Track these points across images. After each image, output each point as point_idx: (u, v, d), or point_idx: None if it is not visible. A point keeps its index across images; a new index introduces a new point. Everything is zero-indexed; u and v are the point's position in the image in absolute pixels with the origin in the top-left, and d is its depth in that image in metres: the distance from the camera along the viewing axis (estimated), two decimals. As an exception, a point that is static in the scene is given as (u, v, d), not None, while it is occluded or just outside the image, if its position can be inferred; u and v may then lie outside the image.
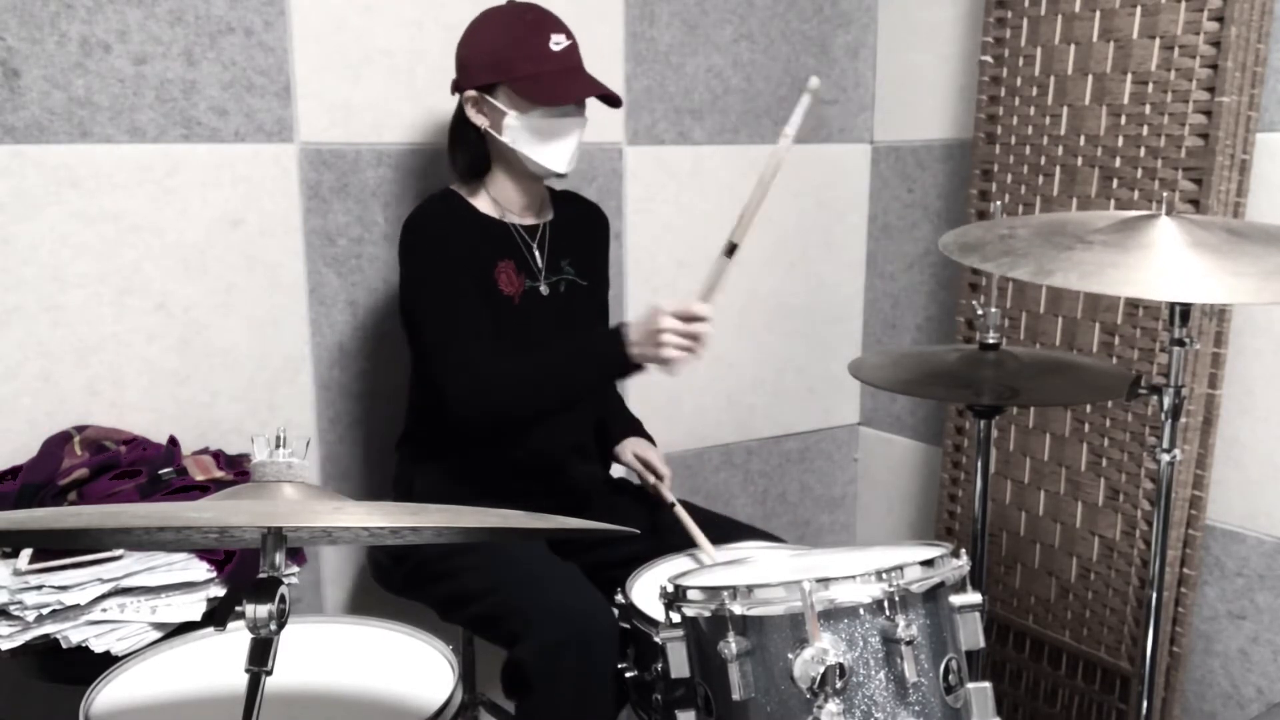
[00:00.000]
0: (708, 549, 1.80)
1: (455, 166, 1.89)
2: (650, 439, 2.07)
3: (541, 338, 1.89)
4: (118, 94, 1.87)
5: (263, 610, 1.01)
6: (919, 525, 2.74)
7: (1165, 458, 1.55)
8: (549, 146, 1.81)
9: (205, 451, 1.93)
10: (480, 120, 1.82)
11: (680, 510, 1.89)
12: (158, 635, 1.56)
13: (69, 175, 1.85)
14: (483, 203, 1.89)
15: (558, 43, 1.79)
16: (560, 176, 1.85)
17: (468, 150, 1.86)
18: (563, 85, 1.79)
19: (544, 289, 1.91)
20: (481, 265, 1.85)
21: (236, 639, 1.45)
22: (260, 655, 1.01)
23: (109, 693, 1.36)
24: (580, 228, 2.01)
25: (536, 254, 1.91)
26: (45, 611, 1.52)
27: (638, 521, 1.64)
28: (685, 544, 1.81)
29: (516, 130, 1.80)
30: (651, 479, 1.96)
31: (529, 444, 1.89)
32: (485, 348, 1.76)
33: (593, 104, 1.86)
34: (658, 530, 1.85)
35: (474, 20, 1.85)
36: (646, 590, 1.61)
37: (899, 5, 2.64)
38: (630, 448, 2.00)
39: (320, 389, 2.12)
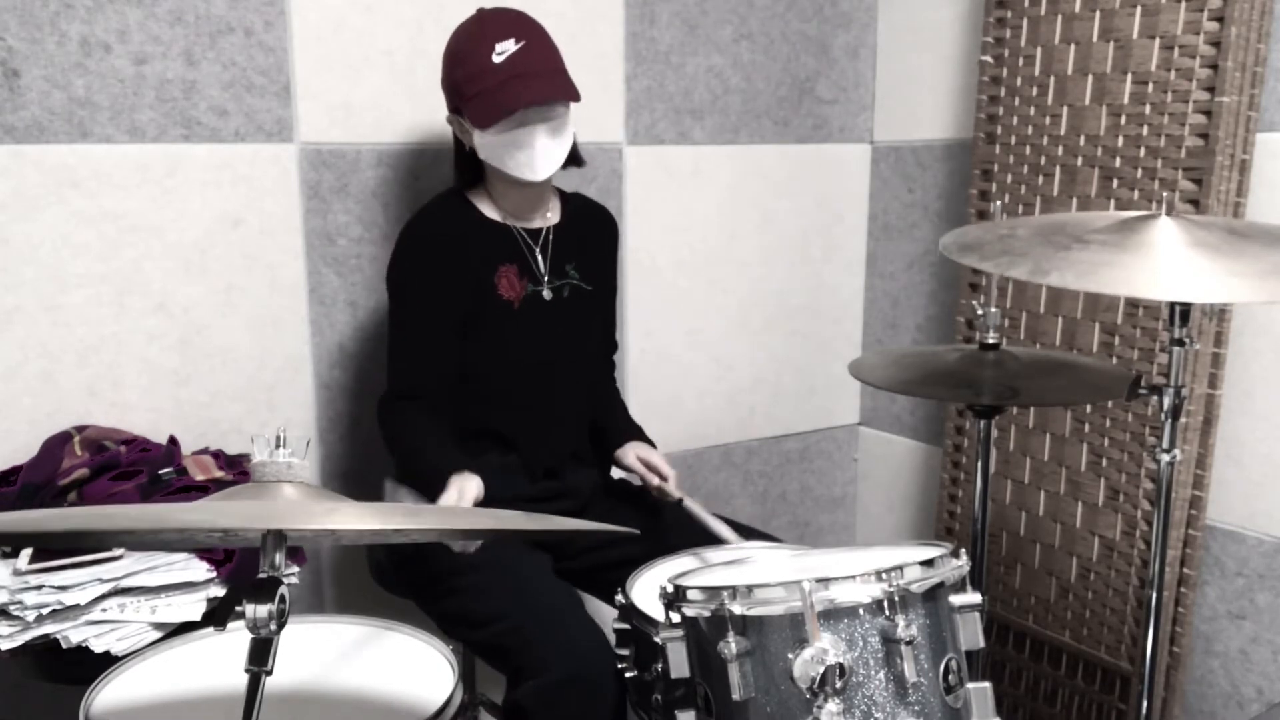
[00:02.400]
0: (726, 533, 1.84)
1: (458, 177, 1.93)
2: (652, 444, 2.06)
3: (543, 342, 1.89)
4: (118, 94, 1.87)
5: (263, 610, 1.01)
6: (919, 525, 2.74)
7: (1165, 458, 1.55)
8: (516, 158, 1.79)
9: (205, 451, 1.93)
10: (464, 138, 1.85)
11: (690, 503, 1.90)
12: (158, 635, 1.56)
13: (69, 175, 1.85)
14: (486, 205, 1.90)
15: (501, 51, 1.74)
16: (539, 182, 1.83)
17: (464, 162, 1.90)
18: (501, 100, 1.74)
19: (547, 293, 1.91)
20: (480, 270, 1.85)
21: (236, 639, 1.45)
22: (260, 655, 1.02)
23: (109, 693, 1.36)
24: (586, 231, 1.99)
25: (540, 257, 1.91)
26: (45, 611, 1.52)
27: (636, 523, 1.64)
28: (686, 544, 1.81)
29: (485, 147, 1.81)
30: (655, 480, 1.96)
31: (527, 449, 1.89)
32: (418, 381, 1.83)
33: (588, 99, 1.85)
34: (657, 531, 1.85)
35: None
36: (646, 590, 1.61)
37: (899, 5, 2.64)
38: (633, 451, 2.00)
39: (320, 389, 2.12)
